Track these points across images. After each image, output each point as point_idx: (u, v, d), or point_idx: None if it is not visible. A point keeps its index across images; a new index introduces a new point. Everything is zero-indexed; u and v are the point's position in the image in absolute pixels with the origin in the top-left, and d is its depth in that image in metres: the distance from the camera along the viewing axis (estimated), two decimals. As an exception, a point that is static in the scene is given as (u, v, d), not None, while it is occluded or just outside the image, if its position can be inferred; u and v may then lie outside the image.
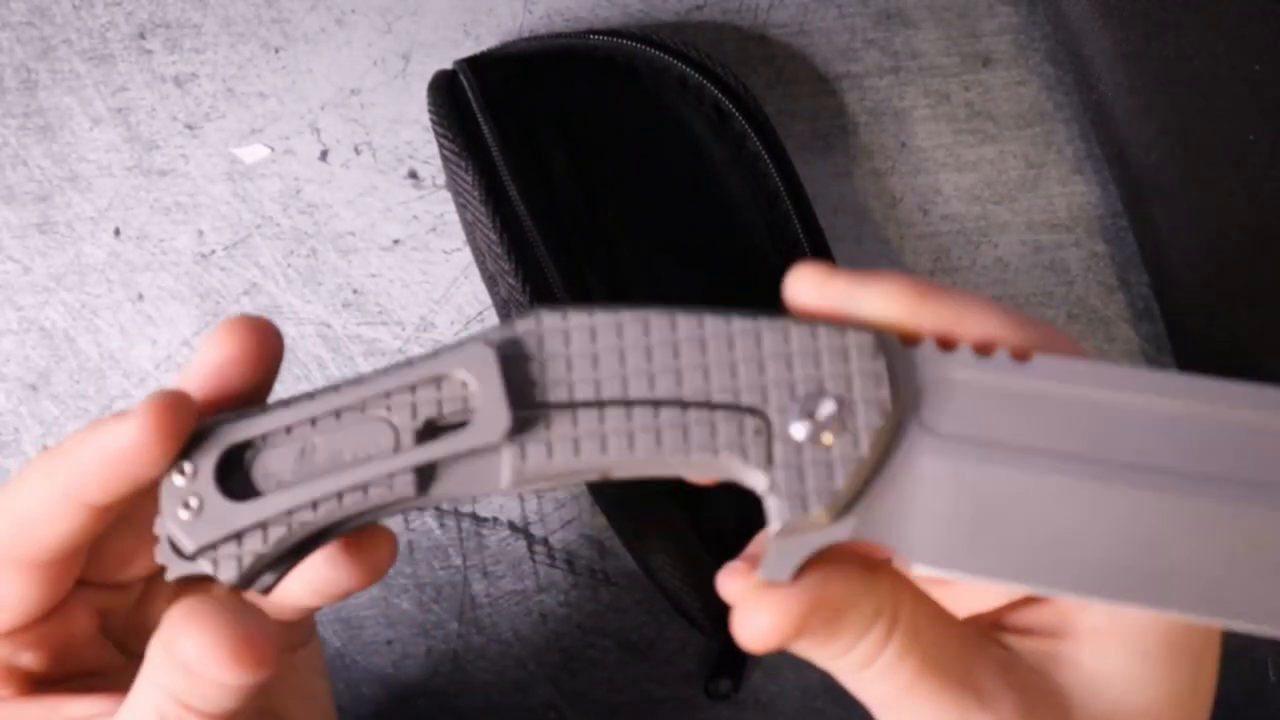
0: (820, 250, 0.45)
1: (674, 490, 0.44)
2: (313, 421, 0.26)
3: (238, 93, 0.48)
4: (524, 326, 0.25)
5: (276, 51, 0.48)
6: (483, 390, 0.25)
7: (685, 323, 0.25)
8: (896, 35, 0.48)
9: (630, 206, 0.46)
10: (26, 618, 0.29)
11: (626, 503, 0.44)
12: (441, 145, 0.44)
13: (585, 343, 0.25)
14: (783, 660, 0.49)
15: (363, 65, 0.47)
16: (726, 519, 0.45)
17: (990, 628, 0.28)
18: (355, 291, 0.48)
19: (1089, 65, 0.44)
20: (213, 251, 0.48)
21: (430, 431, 0.26)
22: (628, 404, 0.25)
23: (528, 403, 0.25)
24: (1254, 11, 0.42)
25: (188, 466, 0.26)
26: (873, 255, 0.48)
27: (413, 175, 0.48)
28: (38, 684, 0.30)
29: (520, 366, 0.25)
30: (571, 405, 0.25)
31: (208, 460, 0.26)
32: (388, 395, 0.26)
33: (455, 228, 0.48)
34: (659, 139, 0.46)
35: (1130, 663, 0.26)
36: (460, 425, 0.26)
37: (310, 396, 0.27)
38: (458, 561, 0.48)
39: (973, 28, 0.48)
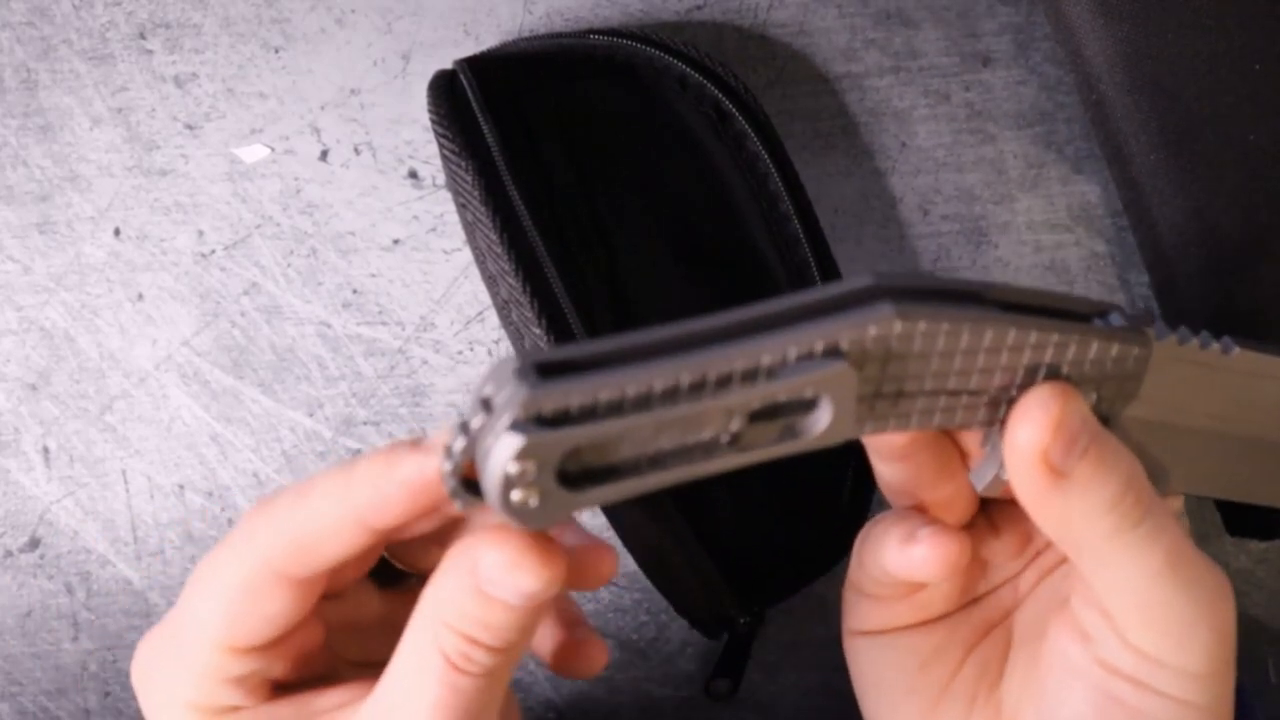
0: (820, 250, 0.45)
1: (674, 490, 0.44)
2: (645, 402, 0.24)
3: (238, 93, 0.48)
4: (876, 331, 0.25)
5: (276, 51, 0.48)
6: (835, 409, 0.26)
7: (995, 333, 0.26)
8: (896, 35, 0.48)
9: (630, 206, 0.46)
10: (286, 630, 0.29)
11: (626, 503, 0.44)
12: (441, 145, 0.44)
13: (936, 345, 0.26)
14: (782, 660, 0.49)
15: (363, 65, 0.47)
16: (726, 519, 0.45)
17: None
18: (355, 291, 0.48)
19: (1089, 65, 0.44)
20: (213, 251, 0.48)
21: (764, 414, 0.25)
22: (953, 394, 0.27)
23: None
24: (1254, 11, 0.42)
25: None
26: (873, 255, 0.48)
27: (413, 175, 0.48)
28: (280, 690, 0.31)
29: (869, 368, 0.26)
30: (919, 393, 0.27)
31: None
32: (726, 385, 0.24)
33: (455, 228, 0.48)
34: (659, 139, 0.46)
35: None
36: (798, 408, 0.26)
37: (633, 359, 0.24)
38: (458, 561, 0.48)
39: (973, 28, 0.48)
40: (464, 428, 0.24)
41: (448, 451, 0.25)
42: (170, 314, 0.48)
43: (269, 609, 0.28)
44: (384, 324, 0.48)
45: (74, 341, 0.48)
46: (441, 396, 0.48)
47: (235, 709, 0.30)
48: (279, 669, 0.30)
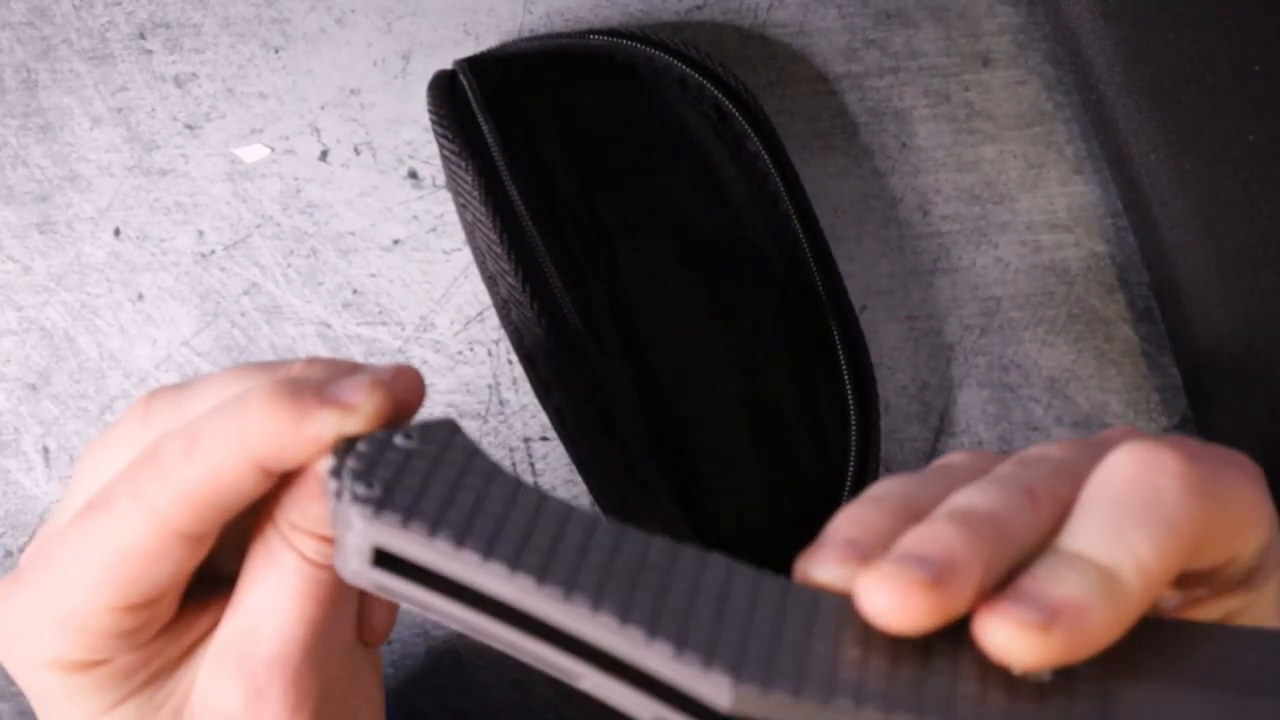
0: (820, 250, 0.45)
1: (674, 490, 0.44)
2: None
3: (238, 93, 0.48)
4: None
5: (276, 51, 0.48)
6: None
7: None
8: (896, 35, 0.48)
9: (630, 206, 0.46)
10: (172, 586, 0.28)
11: (627, 503, 0.44)
12: (441, 145, 0.44)
13: None
14: (783, 660, 0.49)
15: (363, 65, 0.47)
16: (727, 519, 0.45)
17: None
18: (355, 291, 0.48)
19: (1089, 65, 0.44)
20: (213, 251, 0.48)
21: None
22: None
23: None
24: (1254, 11, 0.42)
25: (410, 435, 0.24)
26: (873, 255, 0.48)
27: (413, 175, 0.48)
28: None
29: None
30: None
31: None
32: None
33: (455, 228, 0.48)
34: (659, 139, 0.46)
35: None
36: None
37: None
38: (458, 561, 0.48)
39: (973, 28, 0.48)
40: (335, 471, 0.24)
41: (331, 471, 0.24)
42: (170, 314, 0.48)
43: (167, 567, 0.27)
44: (384, 324, 0.48)
45: (74, 341, 0.48)
46: (441, 396, 0.48)
47: (103, 662, 0.28)
48: (168, 613, 0.29)
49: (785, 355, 0.46)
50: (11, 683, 0.49)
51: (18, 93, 0.48)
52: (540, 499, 0.24)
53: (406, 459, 0.24)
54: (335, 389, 0.26)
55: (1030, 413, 0.48)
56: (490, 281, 0.44)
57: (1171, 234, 0.44)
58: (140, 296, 0.48)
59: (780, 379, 0.45)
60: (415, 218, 0.48)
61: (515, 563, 0.22)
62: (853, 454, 0.45)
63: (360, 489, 0.23)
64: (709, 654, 0.21)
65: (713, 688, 0.21)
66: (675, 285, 0.45)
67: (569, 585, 0.22)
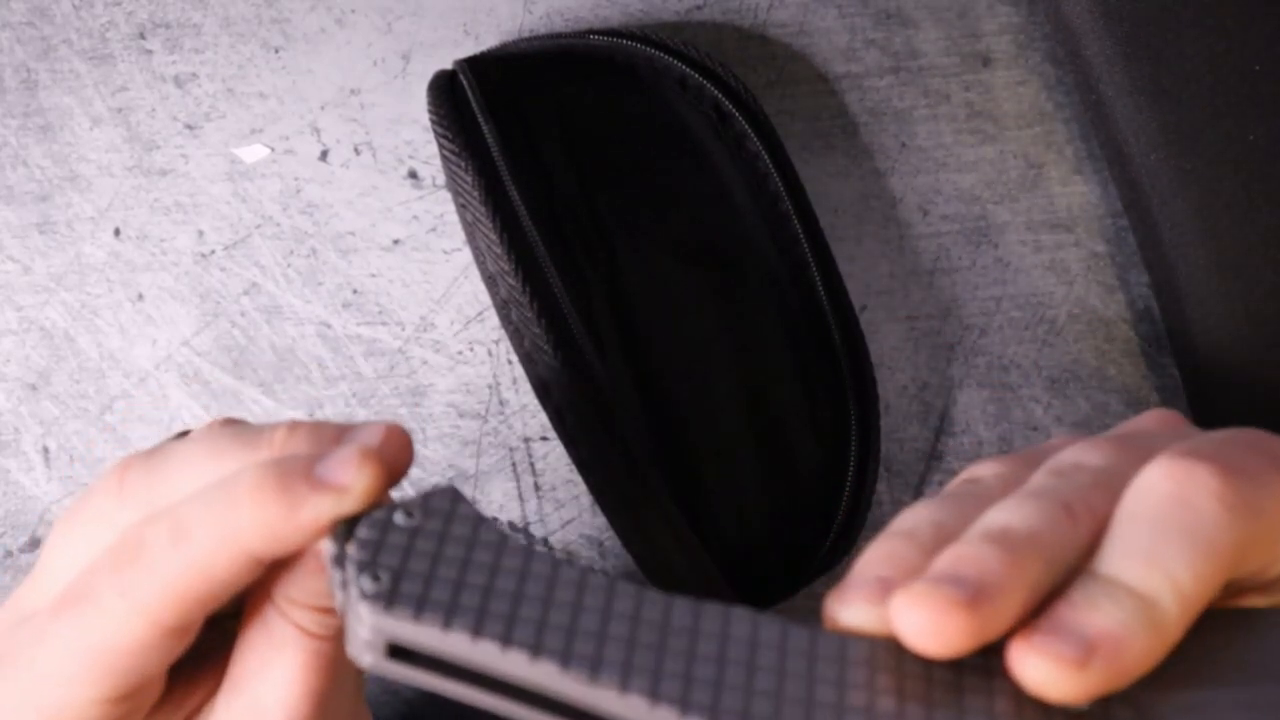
0: (820, 250, 0.45)
1: (674, 490, 0.44)
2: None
3: (238, 93, 0.48)
4: None
5: (276, 51, 0.48)
6: None
7: None
8: (896, 35, 0.48)
9: (630, 206, 0.46)
10: (158, 676, 0.27)
11: (627, 503, 0.44)
12: (441, 145, 0.44)
13: None
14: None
15: (363, 65, 0.47)
16: (727, 518, 0.45)
17: None
18: (355, 291, 0.48)
19: (1089, 65, 0.44)
20: (213, 251, 0.48)
21: None
22: None
23: None
24: (1254, 11, 0.42)
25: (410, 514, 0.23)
26: (873, 255, 0.48)
27: (413, 175, 0.48)
28: None
29: None
30: None
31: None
32: None
33: (455, 228, 0.47)
34: (659, 139, 0.46)
35: None
36: None
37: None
38: (458, 561, 0.48)
39: (973, 28, 0.48)
40: (338, 560, 0.23)
41: (334, 559, 0.23)
42: (170, 314, 0.48)
43: (155, 659, 0.26)
44: (384, 324, 0.48)
45: (74, 341, 0.48)
46: (441, 396, 0.48)
47: None
48: (154, 696, 0.28)
49: (785, 355, 0.46)
50: (11, 683, 0.49)
51: (18, 93, 0.48)
52: (554, 566, 0.23)
53: (411, 540, 0.23)
54: (325, 470, 0.25)
55: (1030, 413, 0.48)
56: (490, 281, 0.44)
57: (1171, 234, 0.44)
58: (140, 296, 0.48)
59: (780, 379, 0.45)
60: (415, 218, 0.48)
61: (537, 648, 0.21)
62: (853, 454, 0.45)
63: (367, 583, 0.22)
64: None
65: None
66: (675, 285, 0.45)
67: (594, 666, 0.21)
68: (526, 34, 0.47)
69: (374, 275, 0.48)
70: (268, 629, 0.27)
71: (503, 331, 0.47)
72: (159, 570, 0.25)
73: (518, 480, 0.48)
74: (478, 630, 0.21)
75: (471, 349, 0.48)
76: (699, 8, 0.48)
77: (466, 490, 0.48)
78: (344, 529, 0.23)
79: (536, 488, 0.48)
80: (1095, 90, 0.44)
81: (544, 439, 0.47)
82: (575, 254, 0.45)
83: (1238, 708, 0.21)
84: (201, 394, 0.48)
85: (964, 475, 0.26)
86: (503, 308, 0.44)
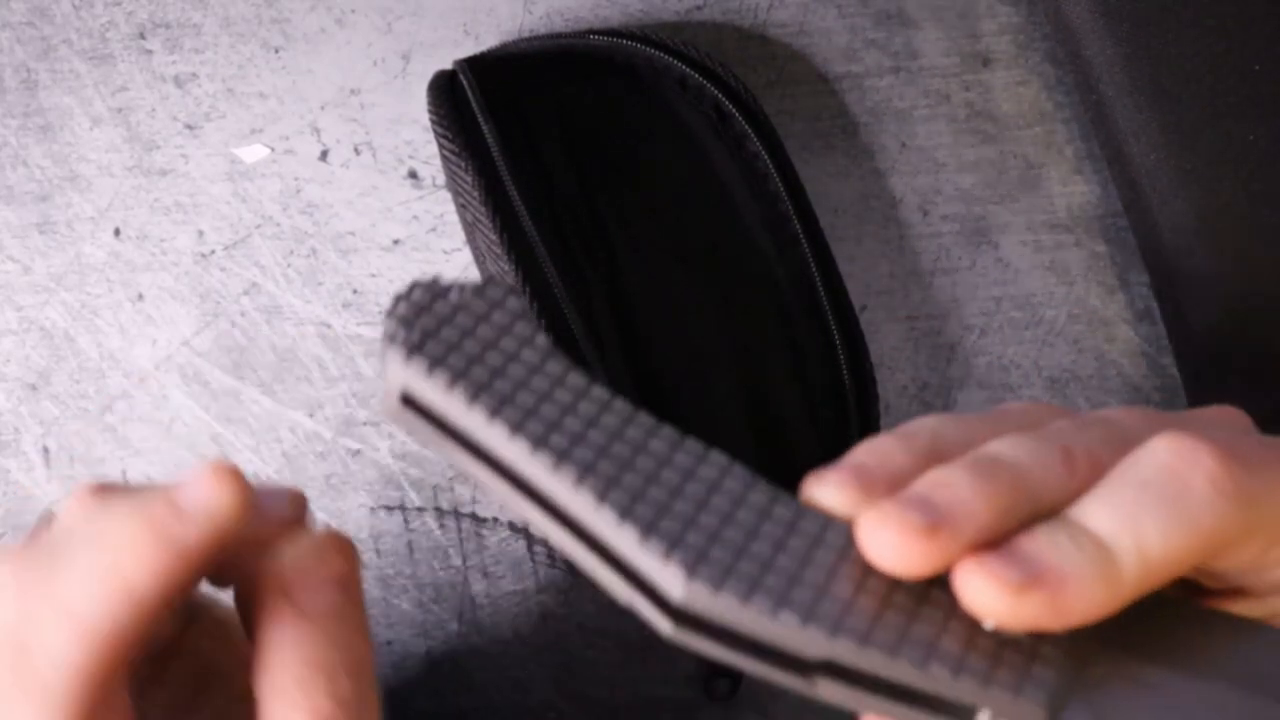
0: (820, 250, 0.45)
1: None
2: None
3: (238, 93, 0.48)
4: None
5: (276, 51, 0.48)
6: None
7: None
8: (896, 35, 0.48)
9: (630, 206, 0.46)
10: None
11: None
12: (441, 145, 0.44)
13: None
14: (783, 660, 0.49)
15: (363, 65, 0.47)
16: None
17: None
18: (355, 291, 0.48)
19: (1089, 65, 0.44)
20: (213, 251, 0.48)
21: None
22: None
23: None
24: (1254, 11, 0.42)
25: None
26: (873, 255, 0.48)
27: (413, 175, 0.48)
28: None
29: None
30: None
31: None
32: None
33: (455, 228, 0.48)
34: (659, 139, 0.46)
35: None
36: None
37: None
38: (458, 562, 0.48)
39: (973, 28, 0.48)
40: (390, 312, 0.25)
41: (388, 312, 0.25)
42: (170, 314, 0.48)
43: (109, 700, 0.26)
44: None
45: (74, 341, 0.48)
46: (441, 396, 0.48)
47: None
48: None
49: (785, 355, 0.46)
50: (11, 683, 0.49)
51: (18, 93, 0.48)
52: (565, 371, 0.24)
53: (453, 313, 0.24)
54: (185, 496, 0.25)
55: (1030, 413, 0.48)
56: (490, 281, 0.44)
57: (1171, 234, 0.44)
58: (140, 296, 0.48)
59: (780, 379, 0.45)
60: (415, 218, 0.48)
61: (518, 428, 0.23)
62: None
63: (401, 332, 0.23)
64: (671, 545, 0.21)
65: (668, 579, 0.21)
66: (675, 285, 0.45)
67: (561, 457, 0.22)
68: (526, 34, 0.47)
69: (374, 275, 0.48)
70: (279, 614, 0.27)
71: (503, 331, 0.47)
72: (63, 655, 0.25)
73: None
74: (474, 398, 0.23)
75: (471, 349, 0.48)
76: (699, 8, 0.48)
77: (466, 490, 0.48)
78: (405, 291, 0.25)
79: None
80: (1095, 90, 0.44)
81: (544, 439, 0.47)
82: (575, 254, 0.45)
83: (1192, 698, 0.21)
84: (201, 394, 0.48)
85: (998, 408, 0.26)
86: (503, 308, 0.44)
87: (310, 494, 0.48)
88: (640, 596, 0.22)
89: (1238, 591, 0.24)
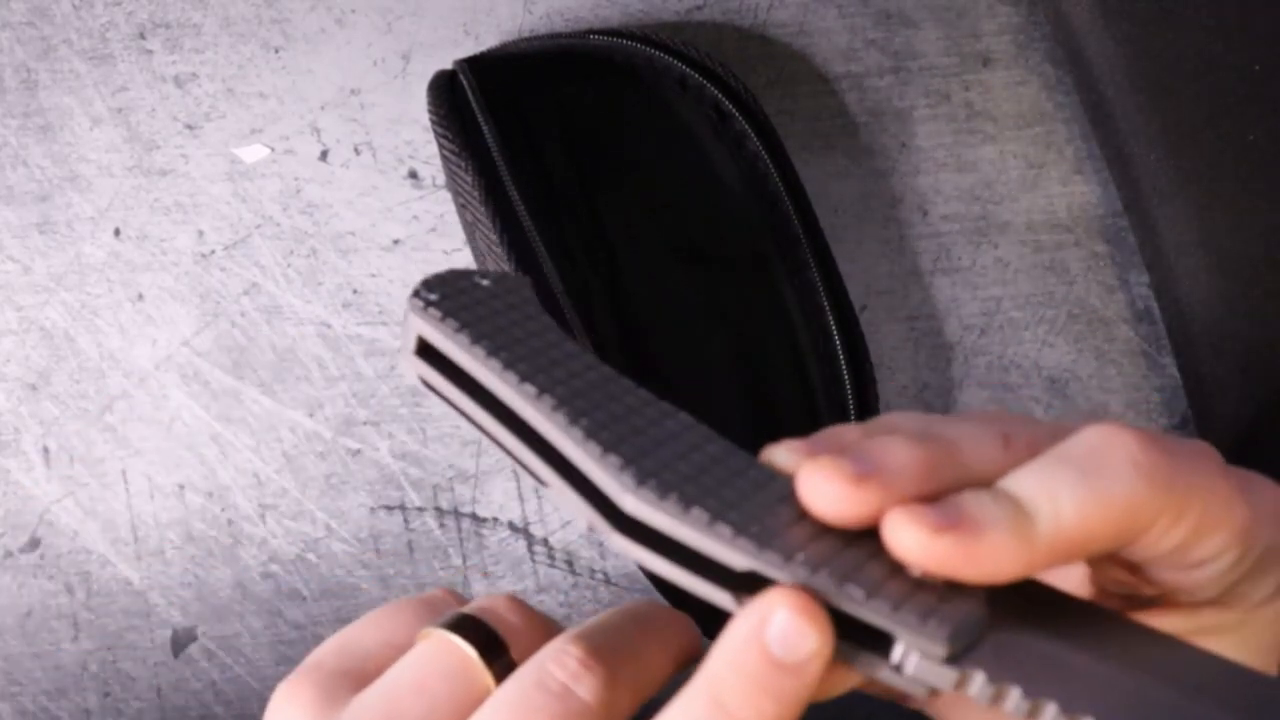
0: (820, 250, 0.45)
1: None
2: None
3: (238, 93, 0.48)
4: None
5: (276, 51, 0.48)
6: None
7: None
8: (896, 35, 0.48)
9: (630, 206, 0.46)
10: None
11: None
12: (441, 145, 0.44)
13: None
14: (783, 660, 0.49)
15: (363, 65, 0.47)
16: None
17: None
18: (355, 291, 0.48)
19: (1089, 65, 0.44)
20: (213, 251, 0.48)
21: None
22: None
23: None
24: (1254, 11, 0.42)
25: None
26: (873, 255, 0.48)
27: (413, 175, 0.48)
28: None
29: None
30: None
31: None
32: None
33: (455, 228, 0.47)
34: (659, 139, 0.46)
35: None
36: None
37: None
38: (458, 561, 0.48)
39: (973, 28, 0.48)
40: (415, 292, 0.27)
41: (414, 291, 0.27)
42: (170, 314, 0.48)
43: None
44: (384, 324, 0.48)
45: (74, 341, 0.48)
46: (441, 396, 0.48)
47: None
48: None
49: (785, 355, 0.46)
50: (12, 682, 0.49)
51: (18, 93, 0.48)
52: (561, 338, 0.27)
53: (473, 289, 0.27)
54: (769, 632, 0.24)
55: (1030, 413, 0.48)
56: (490, 281, 0.44)
57: (1171, 234, 0.44)
58: (140, 296, 0.48)
59: (780, 378, 0.45)
60: (415, 218, 0.48)
61: (510, 365, 0.25)
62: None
63: (423, 292, 0.26)
64: (626, 461, 0.23)
65: (619, 488, 0.23)
66: (675, 285, 0.45)
67: (544, 390, 0.25)
68: (526, 34, 0.47)
69: (374, 275, 0.48)
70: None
71: (503, 331, 0.47)
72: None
73: (518, 480, 0.48)
74: (475, 339, 0.25)
75: (471, 349, 0.48)
76: (699, 8, 0.48)
77: (466, 490, 0.48)
78: (434, 277, 0.27)
79: (536, 488, 0.48)
80: (1095, 90, 0.44)
81: (544, 439, 0.48)
82: (575, 254, 0.45)
83: (1086, 668, 0.23)
84: (201, 394, 0.48)
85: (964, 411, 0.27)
86: (503, 308, 0.44)
87: (310, 494, 0.48)
88: (596, 513, 0.24)
89: (1170, 601, 0.25)
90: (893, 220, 0.48)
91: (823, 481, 0.22)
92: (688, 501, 0.23)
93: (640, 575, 0.47)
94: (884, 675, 0.22)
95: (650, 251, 0.45)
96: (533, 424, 0.25)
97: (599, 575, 0.48)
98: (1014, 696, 0.22)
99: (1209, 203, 0.43)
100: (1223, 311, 0.44)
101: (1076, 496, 0.22)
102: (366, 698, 0.27)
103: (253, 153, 0.48)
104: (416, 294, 0.26)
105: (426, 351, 0.26)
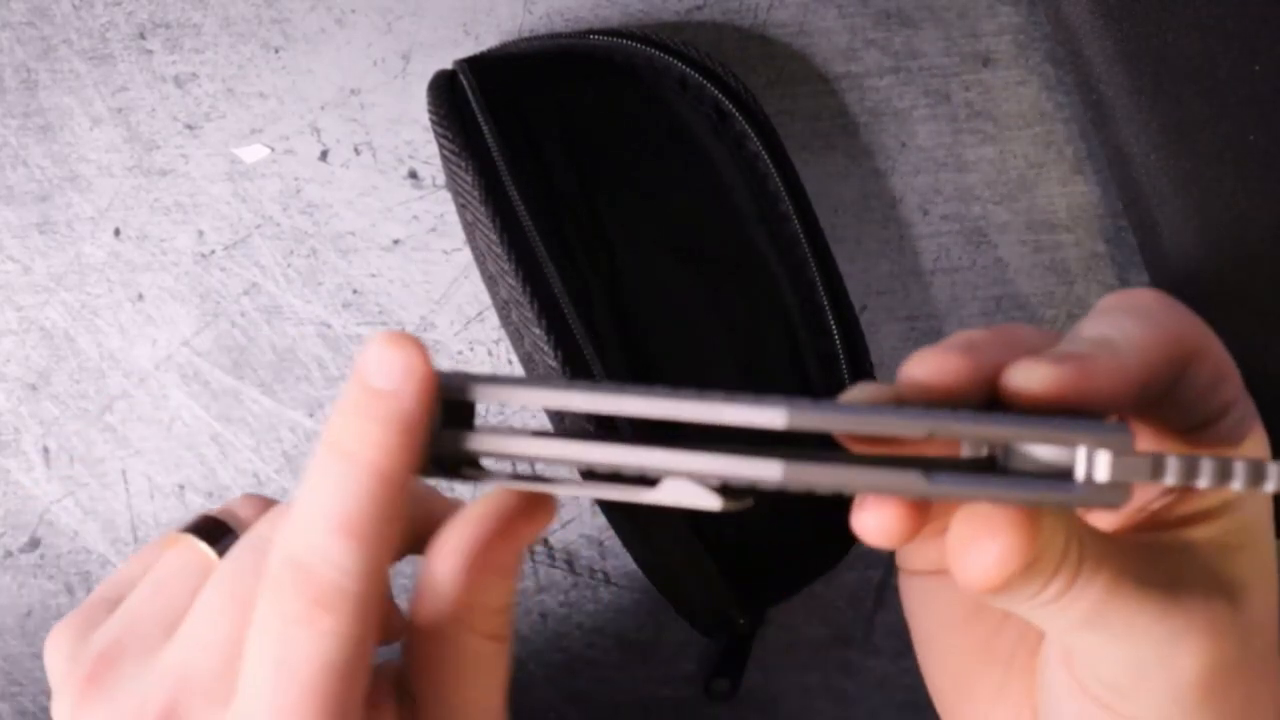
0: (820, 250, 0.45)
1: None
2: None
3: (238, 93, 0.48)
4: None
5: (276, 51, 0.48)
6: None
7: None
8: (896, 35, 0.48)
9: (630, 206, 0.46)
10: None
11: (626, 503, 0.44)
12: (441, 145, 0.44)
13: None
14: (783, 660, 0.49)
15: (363, 65, 0.47)
16: (727, 518, 0.45)
17: (1149, 530, 0.29)
18: (355, 291, 0.48)
19: (1089, 65, 0.44)
20: (213, 251, 0.48)
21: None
22: None
23: None
24: (1254, 11, 0.42)
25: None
26: (873, 255, 0.48)
27: (413, 175, 0.48)
28: None
29: None
30: None
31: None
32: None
33: (455, 228, 0.48)
34: (659, 139, 0.46)
35: None
36: None
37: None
38: (458, 561, 0.48)
39: (973, 28, 0.48)
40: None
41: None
42: (170, 314, 0.48)
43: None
44: (384, 324, 0.48)
45: (74, 341, 0.48)
46: (441, 396, 0.48)
47: None
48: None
49: (785, 355, 0.46)
50: (12, 683, 0.49)
51: (18, 93, 0.48)
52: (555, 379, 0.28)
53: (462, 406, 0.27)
54: (373, 378, 0.27)
55: (1030, 413, 0.48)
56: (490, 281, 0.44)
57: (1171, 234, 0.44)
58: (140, 296, 0.48)
59: (780, 379, 0.45)
60: (415, 218, 0.48)
61: (565, 386, 0.25)
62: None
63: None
64: (755, 398, 0.24)
65: (770, 415, 0.24)
66: (675, 285, 0.45)
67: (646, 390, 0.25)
68: (526, 34, 0.47)
69: (374, 275, 0.48)
70: (459, 648, 0.28)
71: (503, 331, 0.47)
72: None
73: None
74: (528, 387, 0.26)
75: (471, 349, 0.48)
76: (699, 8, 0.48)
77: (466, 490, 0.48)
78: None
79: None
80: (1095, 90, 0.44)
81: (544, 439, 0.48)
82: (575, 254, 0.45)
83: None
84: (201, 394, 0.48)
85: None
86: (503, 308, 0.44)
87: (310, 494, 0.48)
88: (739, 465, 0.25)
89: (1200, 517, 0.28)
90: (893, 220, 0.48)
91: (931, 354, 0.25)
92: (838, 404, 0.24)
93: (640, 575, 0.47)
94: (1072, 497, 0.23)
95: (650, 251, 0.45)
96: (656, 415, 0.24)
97: (599, 575, 0.48)
98: (1207, 467, 0.24)
99: (1209, 203, 0.43)
100: (1223, 311, 0.44)
101: (1135, 325, 0.26)
102: (116, 613, 0.30)
103: (253, 153, 0.48)
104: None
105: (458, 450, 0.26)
